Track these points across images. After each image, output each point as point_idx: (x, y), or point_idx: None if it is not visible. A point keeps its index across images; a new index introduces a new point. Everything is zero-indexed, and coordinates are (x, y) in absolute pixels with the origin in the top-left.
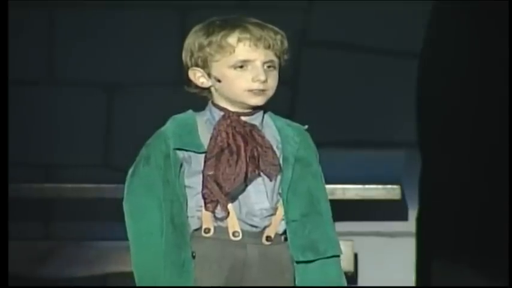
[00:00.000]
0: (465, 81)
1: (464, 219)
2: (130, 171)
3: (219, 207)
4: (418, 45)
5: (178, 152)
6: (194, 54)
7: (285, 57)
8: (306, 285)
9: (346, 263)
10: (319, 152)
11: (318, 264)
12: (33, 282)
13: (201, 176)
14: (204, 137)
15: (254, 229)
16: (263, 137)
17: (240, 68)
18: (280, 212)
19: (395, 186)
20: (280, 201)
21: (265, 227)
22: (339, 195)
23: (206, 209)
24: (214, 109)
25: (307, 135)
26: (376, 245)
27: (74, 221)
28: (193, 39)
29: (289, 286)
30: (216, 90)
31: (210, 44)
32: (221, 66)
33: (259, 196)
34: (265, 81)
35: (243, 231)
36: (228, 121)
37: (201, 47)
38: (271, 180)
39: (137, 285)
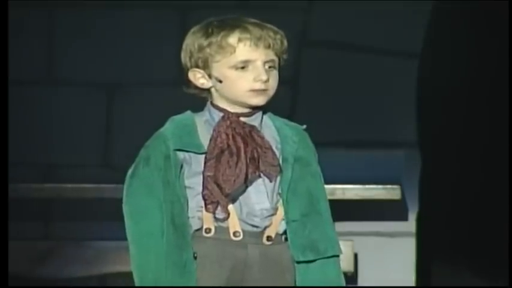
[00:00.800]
0: (465, 81)
1: (464, 219)
2: (129, 172)
3: (219, 208)
4: (418, 45)
5: (178, 152)
6: (194, 55)
7: (284, 56)
8: (307, 285)
9: (346, 263)
10: (319, 152)
11: (318, 264)
12: (33, 282)
13: (201, 176)
14: (204, 137)
15: (255, 229)
16: (262, 138)
17: (241, 69)
18: (281, 212)
19: (395, 186)
20: (281, 201)
21: (265, 227)
22: (339, 195)
23: (207, 210)
24: (213, 110)
25: (306, 135)
26: (376, 245)
27: (74, 221)
28: (192, 40)
29: (290, 286)
30: (217, 90)
31: (210, 44)
32: (222, 66)
33: (260, 196)
34: (266, 81)
35: (243, 231)
36: (228, 122)
37: (200, 48)
38: (271, 181)
39: (137, 284)
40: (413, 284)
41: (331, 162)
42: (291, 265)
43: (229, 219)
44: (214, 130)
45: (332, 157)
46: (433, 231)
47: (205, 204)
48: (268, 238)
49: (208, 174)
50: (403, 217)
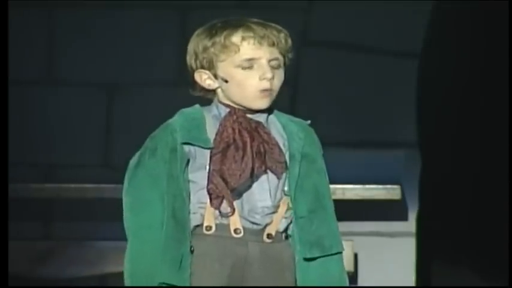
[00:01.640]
0: (465, 81)
1: (464, 219)
2: (133, 162)
3: (224, 203)
4: (418, 45)
5: (185, 146)
6: (199, 56)
7: (290, 55)
8: (308, 282)
9: (346, 263)
10: None
11: (320, 261)
12: (33, 282)
13: (205, 171)
14: (211, 132)
15: (255, 226)
16: (269, 134)
17: (247, 68)
18: (282, 209)
19: (395, 186)
20: (284, 199)
21: (266, 225)
22: (339, 195)
23: (211, 205)
24: (220, 105)
25: (311, 131)
26: (376, 245)
27: (74, 221)
28: (196, 42)
29: (290, 285)
30: (223, 91)
31: (214, 44)
32: (227, 66)
33: (263, 193)
34: (272, 79)
35: (244, 228)
36: (234, 117)
37: (205, 49)
38: (277, 178)
39: (126, 278)
40: (413, 284)
41: (331, 162)
42: (291, 263)
43: (231, 216)
44: (220, 124)
45: (332, 157)
46: (433, 231)
47: (210, 199)
48: (269, 236)
49: (214, 168)
50: (403, 217)
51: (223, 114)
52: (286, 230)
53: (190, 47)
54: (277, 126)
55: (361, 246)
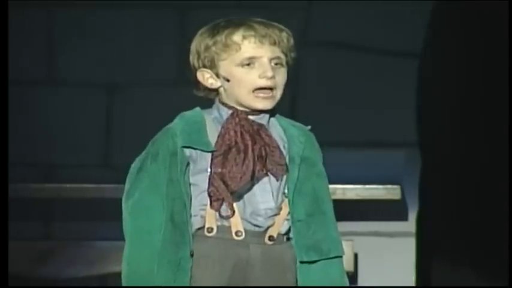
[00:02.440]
0: (465, 81)
1: (464, 219)
2: (136, 166)
3: (224, 206)
4: (418, 45)
5: (185, 149)
6: (201, 55)
7: (292, 55)
8: (309, 284)
9: (346, 263)
10: None
11: (320, 264)
12: (33, 282)
13: (206, 174)
14: (212, 135)
15: (257, 229)
16: (270, 137)
17: (247, 66)
18: (284, 212)
19: (395, 186)
20: (285, 201)
21: (268, 227)
22: (339, 195)
23: (211, 207)
24: (222, 107)
25: (312, 136)
26: (376, 245)
27: (74, 221)
28: (199, 41)
29: (291, 286)
30: (225, 90)
31: (215, 43)
32: (228, 64)
33: (265, 196)
34: (272, 78)
35: (246, 230)
36: (237, 119)
37: (207, 48)
38: (277, 180)
39: (123, 279)
40: (413, 284)
41: (331, 162)
42: (292, 265)
43: (232, 218)
44: (222, 127)
45: (332, 157)
46: (433, 231)
47: (211, 201)
48: (270, 238)
49: (215, 171)
50: (403, 217)
51: (224, 117)
52: (288, 232)
53: (193, 46)
54: (277, 129)
55: (361, 246)
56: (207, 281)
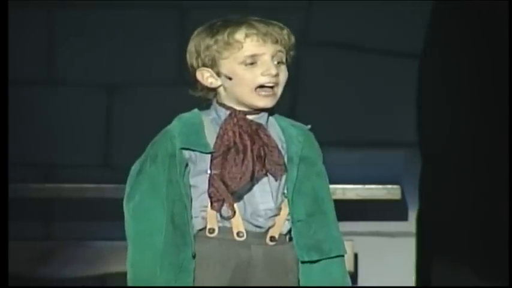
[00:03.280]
0: (465, 81)
1: (464, 219)
2: (135, 169)
3: (225, 206)
4: (418, 45)
5: (184, 151)
6: (201, 54)
7: (292, 53)
8: (311, 284)
9: (346, 263)
10: None
11: (322, 264)
12: (33, 282)
13: (206, 175)
14: (210, 136)
15: (258, 229)
16: (269, 137)
17: (250, 65)
18: (285, 212)
19: (395, 186)
20: (285, 201)
21: (269, 228)
22: (339, 195)
23: (212, 208)
24: (220, 108)
25: (311, 135)
26: (376, 245)
27: (74, 221)
28: (198, 41)
29: (293, 286)
30: (226, 89)
31: (216, 42)
32: (230, 63)
33: (265, 196)
34: (276, 75)
35: (247, 231)
36: (235, 120)
37: (207, 47)
38: (276, 180)
39: (129, 282)
40: (413, 284)
41: (331, 162)
42: (294, 265)
43: (233, 219)
44: (220, 128)
45: (332, 157)
46: (433, 231)
47: (211, 202)
48: (272, 238)
49: (215, 172)
50: (403, 217)
51: (222, 117)
52: (289, 232)
53: (191, 46)
54: (276, 129)
55: (361, 246)
56: (209, 281)
